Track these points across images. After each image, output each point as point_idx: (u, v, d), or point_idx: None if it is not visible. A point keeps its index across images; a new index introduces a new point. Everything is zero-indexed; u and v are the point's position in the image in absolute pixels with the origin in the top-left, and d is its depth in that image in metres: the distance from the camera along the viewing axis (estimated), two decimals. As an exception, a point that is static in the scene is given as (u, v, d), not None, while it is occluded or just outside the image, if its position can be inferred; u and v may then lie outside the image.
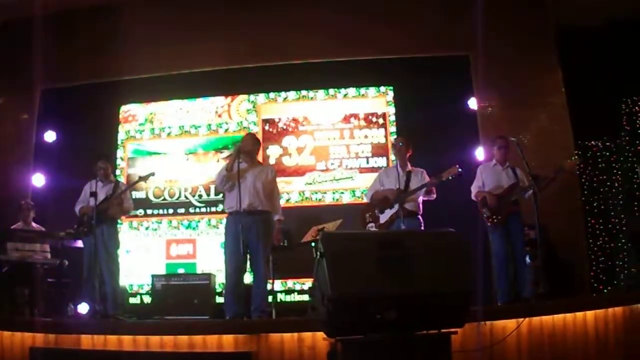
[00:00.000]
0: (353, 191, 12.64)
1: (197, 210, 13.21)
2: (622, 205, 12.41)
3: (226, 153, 10.82)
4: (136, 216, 13.07)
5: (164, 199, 13.37)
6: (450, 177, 9.07)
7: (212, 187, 13.01)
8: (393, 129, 12.72)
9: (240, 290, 8.82)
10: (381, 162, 12.66)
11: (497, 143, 9.77)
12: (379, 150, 12.83)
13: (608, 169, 12.59)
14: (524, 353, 7.17)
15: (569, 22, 12.48)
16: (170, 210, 13.29)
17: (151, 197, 13.32)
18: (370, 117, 13.05)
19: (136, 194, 13.18)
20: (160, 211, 13.33)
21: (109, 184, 10.31)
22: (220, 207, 12.57)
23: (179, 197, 13.35)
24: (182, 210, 13.25)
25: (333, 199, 12.76)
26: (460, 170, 9.05)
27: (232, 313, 8.73)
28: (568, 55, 12.18)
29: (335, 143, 13.07)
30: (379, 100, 13.15)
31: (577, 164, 10.20)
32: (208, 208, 13.12)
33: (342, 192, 12.74)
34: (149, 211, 13.28)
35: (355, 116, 13.11)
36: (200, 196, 13.28)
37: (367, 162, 12.77)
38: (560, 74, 12.15)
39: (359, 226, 9.87)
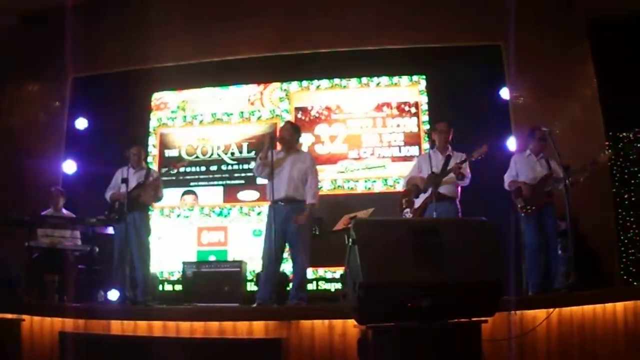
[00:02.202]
0: (385, 180, 12.62)
1: (230, 167, 13.38)
2: (653, 197, 12.34)
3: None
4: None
5: (197, 157, 13.52)
6: (480, 157, 8.95)
7: (245, 145, 13.33)
8: (425, 118, 12.71)
9: (274, 280, 8.89)
10: (413, 150, 12.65)
11: (537, 134, 9.58)
12: (411, 139, 12.84)
13: (639, 160, 12.50)
14: (553, 343, 7.16)
15: (601, 14, 12.38)
16: (203, 168, 13.48)
17: (184, 155, 13.41)
18: (402, 106, 13.05)
19: (169, 152, 13.53)
20: (193, 169, 13.52)
21: (140, 170, 10.28)
22: (252, 165, 12.43)
23: (212, 154, 13.54)
24: (214, 168, 13.46)
25: (365, 187, 12.78)
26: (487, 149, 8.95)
27: (261, 300, 8.77)
28: (600, 47, 12.11)
29: (368, 132, 13.09)
30: (411, 89, 13.15)
31: (611, 157, 10.11)
32: (240, 165, 13.28)
33: (374, 181, 12.75)
34: (182, 169, 13.17)
35: (388, 105, 13.12)
36: (232, 154, 13.44)
37: (400, 151, 12.77)
38: (592, 64, 12.08)
39: (394, 213, 9.75)
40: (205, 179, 13.48)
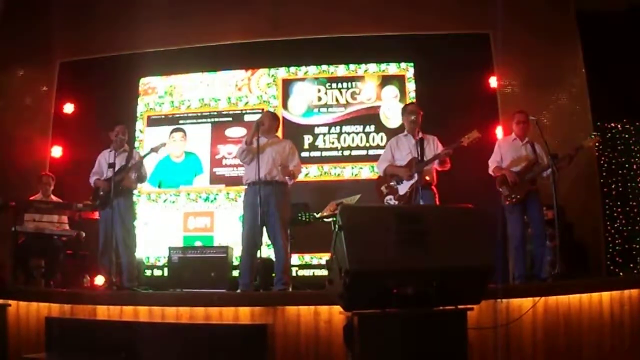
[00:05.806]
0: (372, 166, 12.51)
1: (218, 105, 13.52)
2: (640, 188, 12.34)
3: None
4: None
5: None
6: (471, 143, 8.78)
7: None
8: (413, 105, 12.62)
9: (255, 263, 8.88)
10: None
11: (515, 118, 9.60)
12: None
13: (627, 151, 12.48)
14: (539, 332, 7.18)
15: (590, 5, 12.39)
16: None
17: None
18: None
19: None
20: (182, 108, 13.66)
21: (122, 153, 10.15)
22: (240, 105, 13.12)
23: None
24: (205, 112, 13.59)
25: (352, 174, 12.80)
26: (479, 135, 8.85)
27: (243, 286, 8.84)
28: (589, 38, 12.12)
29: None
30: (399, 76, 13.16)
31: (597, 142, 10.14)
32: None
33: (361, 167, 12.77)
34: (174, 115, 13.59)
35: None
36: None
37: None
38: (581, 55, 12.11)
39: (376, 200, 9.61)
40: (193, 117, 13.60)
